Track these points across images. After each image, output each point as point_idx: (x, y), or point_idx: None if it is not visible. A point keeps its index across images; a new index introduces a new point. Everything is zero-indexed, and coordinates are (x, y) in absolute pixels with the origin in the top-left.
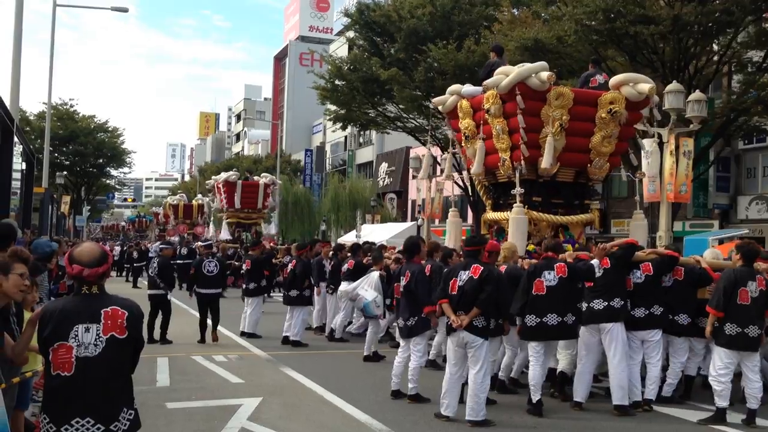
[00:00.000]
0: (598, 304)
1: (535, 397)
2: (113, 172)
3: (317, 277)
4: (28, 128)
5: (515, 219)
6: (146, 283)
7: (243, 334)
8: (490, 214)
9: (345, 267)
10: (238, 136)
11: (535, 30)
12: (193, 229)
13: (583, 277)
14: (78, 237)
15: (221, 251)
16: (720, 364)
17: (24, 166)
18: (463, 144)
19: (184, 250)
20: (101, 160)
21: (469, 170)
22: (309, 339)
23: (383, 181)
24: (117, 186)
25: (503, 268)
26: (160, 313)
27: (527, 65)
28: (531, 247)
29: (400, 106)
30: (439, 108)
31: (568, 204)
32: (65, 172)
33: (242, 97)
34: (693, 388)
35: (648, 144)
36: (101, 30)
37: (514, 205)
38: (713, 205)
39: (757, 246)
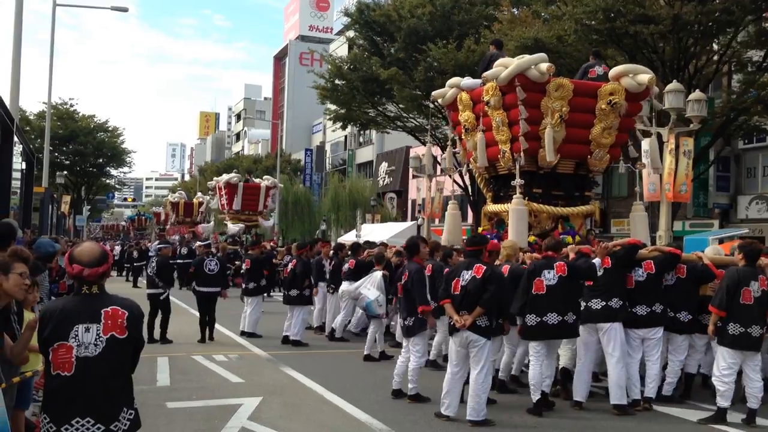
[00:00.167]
0: (596, 304)
1: (535, 397)
2: (113, 172)
3: (316, 277)
4: (28, 128)
5: (515, 210)
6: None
7: (243, 333)
8: (491, 207)
9: (346, 266)
10: (238, 136)
11: (535, 29)
12: (194, 228)
13: (585, 276)
14: (78, 237)
15: (221, 251)
16: (723, 365)
17: (24, 165)
18: (463, 137)
19: (184, 250)
20: (101, 160)
21: (468, 164)
22: (309, 338)
23: (383, 181)
24: (117, 186)
25: (506, 267)
26: (159, 312)
27: (527, 57)
28: (532, 238)
29: (400, 106)
30: (439, 101)
31: (569, 195)
32: (65, 172)
33: (242, 97)
34: (693, 388)
35: (646, 144)
36: (101, 30)
37: (514, 196)
38: (713, 205)
39: (760, 245)
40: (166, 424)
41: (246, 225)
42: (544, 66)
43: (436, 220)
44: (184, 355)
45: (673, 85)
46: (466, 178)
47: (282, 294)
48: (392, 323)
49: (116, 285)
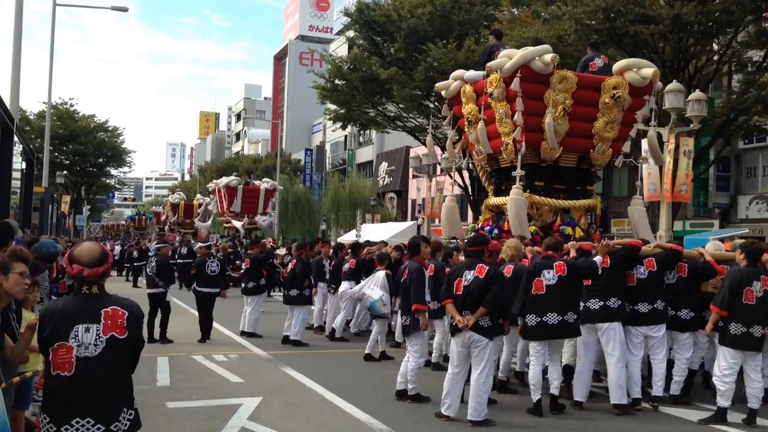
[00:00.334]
0: (594, 304)
1: (535, 397)
2: (113, 172)
3: (316, 277)
4: (28, 128)
5: (513, 200)
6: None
7: (243, 333)
8: (492, 200)
9: (346, 266)
10: (238, 136)
11: (535, 29)
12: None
13: (586, 275)
14: (78, 236)
15: (222, 251)
16: (725, 364)
17: (24, 165)
18: (466, 129)
19: (184, 250)
20: (101, 160)
21: (471, 156)
22: (309, 338)
23: (383, 181)
24: (117, 185)
25: (510, 267)
26: (159, 312)
27: (530, 48)
28: (533, 228)
29: (400, 106)
30: (442, 93)
31: (571, 189)
32: (65, 172)
33: (242, 97)
34: (693, 388)
35: (645, 144)
36: (101, 29)
37: (513, 186)
38: (713, 205)
39: (762, 245)
40: (166, 424)
41: (246, 229)
42: (549, 57)
43: (437, 220)
44: (184, 355)
45: (674, 85)
46: (467, 177)
47: (282, 294)
48: (392, 323)
49: (116, 285)
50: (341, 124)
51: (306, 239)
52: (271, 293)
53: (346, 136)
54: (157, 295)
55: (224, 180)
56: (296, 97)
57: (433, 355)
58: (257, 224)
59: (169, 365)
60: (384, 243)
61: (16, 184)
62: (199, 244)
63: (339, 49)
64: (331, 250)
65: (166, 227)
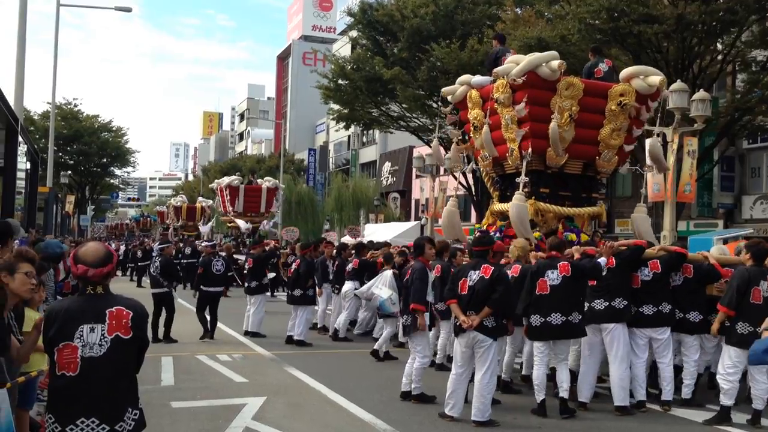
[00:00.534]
0: (599, 305)
1: (539, 397)
2: (117, 172)
3: (320, 278)
4: (32, 128)
5: (515, 206)
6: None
7: (247, 333)
8: (497, 206)
9: (350, 266)
10: (241, 136)
11: (538, 29)
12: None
13: (590, 275)
14: (82, 236)
15: (226, 251)
16: (729, 363)
17: (29, 165)
18: (471, 135)
19: (188, 250)
20: (105, 160)
21: (476, 161)
22: (313, 338)
23: (386, 181)
24: (121, 185)
25: (517, 267)
26: (164, 311)
27: (537, 54)
28: (537, 234)
29: (404, 106)
30: (449, 98)
31: (576, 196)
32: (69, 172)
33: (245, 97)
34: (698, 389)
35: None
36: (105, 30)
37: (516, 192)
38: (718, 205)
39: (767, 245)
40: (170, 424)
41: (251, 229)
42: (556, 63)
43: (440, 220)
44: (188, 355)
45: (678, 84)
46: (470, 177)
47: (286, 294)
48: (399, 323)
49: (120, 285)
50: (344, 124)
51: (310, 239)
52: (275, 293)
53: (349, 136)
54: (161, 295)
55: (226, 180)
56: (299, 97)
57: (437, 355)
58: (259, 224)
59: (173, 365)
60: (387, 245)
61: (20, 184)
62: (204, 243)
63: (342, 49)
64: (335, 251)
65: (170, 231)
